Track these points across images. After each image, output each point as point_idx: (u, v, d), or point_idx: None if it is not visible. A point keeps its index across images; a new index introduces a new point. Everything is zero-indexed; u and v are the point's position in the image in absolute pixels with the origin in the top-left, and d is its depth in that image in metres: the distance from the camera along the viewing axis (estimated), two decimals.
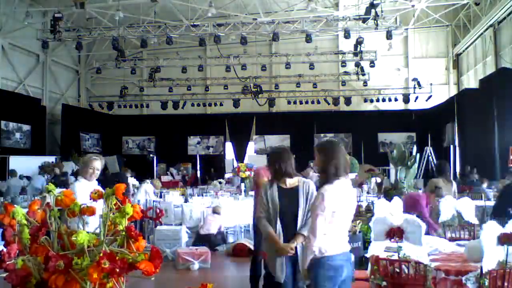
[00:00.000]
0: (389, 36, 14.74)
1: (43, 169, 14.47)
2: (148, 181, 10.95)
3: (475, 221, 5.22)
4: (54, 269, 1.33)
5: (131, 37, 16.75)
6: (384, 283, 3.34)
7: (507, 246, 3.12)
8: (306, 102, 21.29)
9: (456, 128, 16.76)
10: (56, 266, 1.33)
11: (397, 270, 3.35)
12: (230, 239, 9.25)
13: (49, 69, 20.75)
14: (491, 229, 3.19)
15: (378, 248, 3.58)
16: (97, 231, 1.48)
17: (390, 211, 4.99)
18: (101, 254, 1.33)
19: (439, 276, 3.35)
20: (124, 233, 1.46)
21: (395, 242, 3.45)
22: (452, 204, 5.29)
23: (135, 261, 1.37)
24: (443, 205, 5.31)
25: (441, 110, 18.99)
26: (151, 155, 20.44)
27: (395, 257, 3.45)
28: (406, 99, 20.63)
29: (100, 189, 1.56)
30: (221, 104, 22.25)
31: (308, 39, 14.91)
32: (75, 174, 16.20)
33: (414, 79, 20.42)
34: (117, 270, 1.32)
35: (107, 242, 1.42)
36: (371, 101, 21.40)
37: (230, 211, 9.18)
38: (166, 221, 9.31)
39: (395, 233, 3.38)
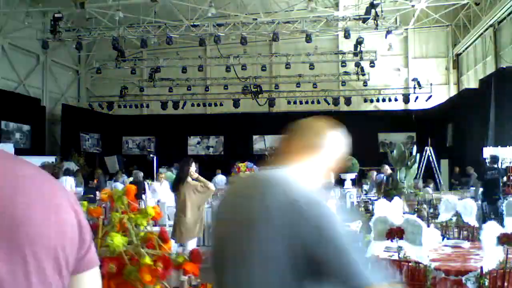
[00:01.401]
0: (389, 36, 14.74)
1: (43, 169, 14.45)
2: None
3: (475, 223, 5.19)
4: (107, 273, 1.32)
5: (131, 37, 16.75)
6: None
7: (507, 246, 3.13)
8: (306, 102, 21.29)
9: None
10: (109, 269, 1.33)
11: (397, 270, 3.35)
12: None
13: (49, 69, 20.74)
14: (491, 229, 3.19)
15: (378, 248, 3.58)
16: None
17: (390, 211, 5.02)
18: (155, 258, 1.34)
19: (439, 276, 3.34)
20: (143, 233, 1.47)
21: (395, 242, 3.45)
22: (453, 205, 5.28)
23: (178, 263, 1.38)
24: (443, 205, 5.30)
25: (441, 110, 18.98)
26: (151, 155, 20.41)
27: (395, 257, 3.45)
28: (406, 99, 20.63)
29: None
30: (221, 104, 22.25)
31: (308, 39, 14.92)
32: (76, 175, 16.20)
33: (414, 79, 20.42)
34: (170, 271, 1.33)
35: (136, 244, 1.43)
36: (371, 101, 21.39)
37: None
38: (160, 222, 9.28)
39: (395, 233, 3.37)
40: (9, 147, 14.13)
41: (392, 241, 3.39)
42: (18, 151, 16.64)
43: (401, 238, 3.35)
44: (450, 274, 3.34)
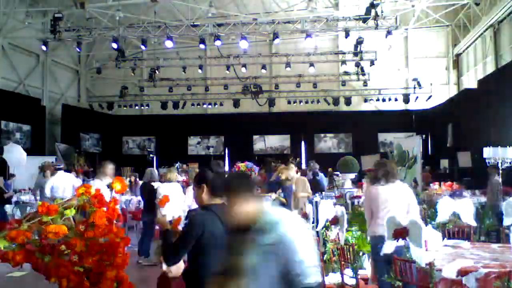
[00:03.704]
0: (389, 36, 14.72)
1: (43, 169, 14.44)
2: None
3: (473, 223, 5.18)
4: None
5: (131, 37, 16.74)
6: (398, 282, 3.33)
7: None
8: (306, 102, 21.32)
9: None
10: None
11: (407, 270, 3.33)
12: None
13: (49, 69, 20.74)
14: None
15: (391, 248, 3.56)
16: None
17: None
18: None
19: (439, 276, 3.34)
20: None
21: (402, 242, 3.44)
22: (450, 205, 5.27)
23: None
24: (440, 206, 5.29)
25: (441, 110, 18.98)
26: (151, 155, 20.43)
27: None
28: (406, 99, 20.63)
29: None
30: (221, 104, 22.26)
31: (308, 39, 14.89)
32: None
33: (414, 79, 20.43)
34: None
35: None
36: (371, 101, 21.40)
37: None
38: None
39: (399, 233, 3.37)
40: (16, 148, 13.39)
41: (397, 241, 3.40)
42: None
43: (404, 238, 3.34)
44: None
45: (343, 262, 4.38)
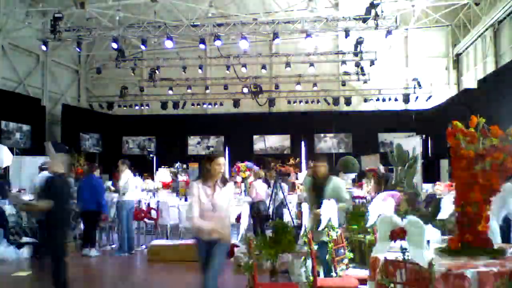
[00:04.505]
0: (389, 36, 14.72)
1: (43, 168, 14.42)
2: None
3: None
4: None
5: (131, 37, 16.74)
6: (392, 285, 3.30)
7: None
8: (306, 102, 21.33)
9: None
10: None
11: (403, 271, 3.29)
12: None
13: (49, 69, 20.73)
14: None
15: (383, 249, 3.51)
16: None
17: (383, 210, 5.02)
18: None
19: (440, 271, 3.29)
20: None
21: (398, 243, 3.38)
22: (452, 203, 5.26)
23: None
24: (444, 202, 5.29)
25: (441, 110, 18.98)
26: (151, 155, 20.41)
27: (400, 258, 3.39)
28: (406, 99, 20.64)
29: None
30: (221, 104, 22.26)
31: (308, 39, 14.89)
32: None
33: (414, 79, 20.43)
34: None
35: None
36: (371, 101, 21.41)
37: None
38: (161, 222, 9.26)
39: (397, 234, 3.30)
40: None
41: (395, 242, 3.33)
42: (18, 151, 16.64)
43: (403, 239, 3.29)
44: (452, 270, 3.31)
45: None
